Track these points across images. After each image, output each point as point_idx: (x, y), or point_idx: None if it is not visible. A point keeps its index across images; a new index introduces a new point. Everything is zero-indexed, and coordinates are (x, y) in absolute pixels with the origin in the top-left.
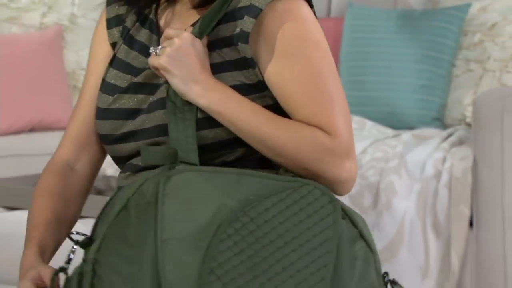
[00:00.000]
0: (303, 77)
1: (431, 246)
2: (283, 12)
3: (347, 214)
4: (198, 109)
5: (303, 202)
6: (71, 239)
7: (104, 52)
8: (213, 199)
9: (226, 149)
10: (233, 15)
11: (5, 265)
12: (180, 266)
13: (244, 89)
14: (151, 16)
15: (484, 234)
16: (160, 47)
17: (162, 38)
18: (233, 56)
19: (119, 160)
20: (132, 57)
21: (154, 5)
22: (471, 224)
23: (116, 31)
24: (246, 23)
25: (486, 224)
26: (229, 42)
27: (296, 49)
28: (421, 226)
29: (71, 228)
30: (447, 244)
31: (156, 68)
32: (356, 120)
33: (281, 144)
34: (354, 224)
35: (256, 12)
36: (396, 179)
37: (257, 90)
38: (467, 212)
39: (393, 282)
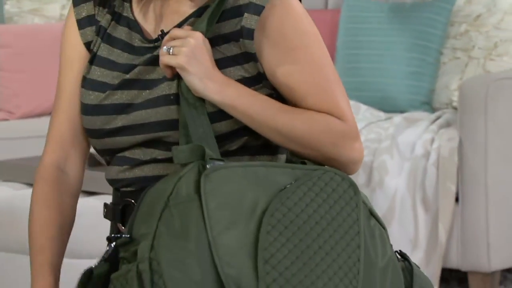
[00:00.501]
0: (307, 67)
1: (420, 220)
2: (281, 7)
3: None
4: (205, 103)
5: (328, 188)
6: (109, 239)
7: (78, 52)
8: (248, 193)
9: (231, 139)
10: (232, 13)
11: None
12: (234, 258)
13: (246, 82)
14: (126, 14)
15: (469, 209)
16: (171, 46)
17: (167, 38)
18: (233, 51)
19: (108, 152)
20: (116, 55)
21: (128, 4)
22: (457, 199)
23: (89, 31)
24: (249, 20)
25: (470, 200)
26: (229, 38)
27: (297, 42)
28: (411, 201)
29: (71, 230)
30: (435, 218)
31: (169, 67)
32: (351, 104)
33: (296, 132)
34: (364, 202)
35: (259, 10)
36: (388, 158)
37: (257, 82)
38: (453, 189)
39: (403, 254)
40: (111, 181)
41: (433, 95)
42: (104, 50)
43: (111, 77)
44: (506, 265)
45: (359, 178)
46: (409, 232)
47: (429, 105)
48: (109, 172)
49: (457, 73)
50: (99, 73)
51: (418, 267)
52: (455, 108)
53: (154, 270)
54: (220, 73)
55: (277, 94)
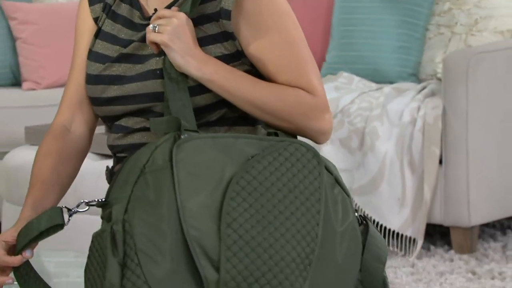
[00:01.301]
0: (281, 45)
1: (407, 181)
2: None
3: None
4: (188, 78)
5: (293, 158)
6: (87, 203)
7: (88, 26)
8: (218, 162)
9: (210, 111)
10: None
11: None
12: (199, 222)
13: (225, 59)
14: None
15: (451, 170)
16: (156, 24)
17: (154, 17)
18: (214, 30)
19: (108, 119)
20: (117, 30)
21: None
22: (440, 162)
23: (98, 7)
24: (226, 2)
25: (453, 162)
26: (211, 18)
27: (271, 22)
28: (399, 164)
29: (69, 184)
30: (421, 179)
31: (154, 43)
32: (345, 76)
33: (269, 104)
34: (329, 171)
35: None
36: (379, 125)
37: (236, 59)
38: (437, 152)
39: (364, 217)
40: (110, 147)
41: (419, 67)
42: (108, 26)
43: (112, 50)
44: (484, 221)
45: (352, 142)
46: (397, 192)
47: (415, 77)
48: (108, 139)
49: (441, 47)
50: (101, 46)
51: (378, 231)
52: (439, 79)
53: (126, 231)
54: (200, 50)
55: (255, 70)
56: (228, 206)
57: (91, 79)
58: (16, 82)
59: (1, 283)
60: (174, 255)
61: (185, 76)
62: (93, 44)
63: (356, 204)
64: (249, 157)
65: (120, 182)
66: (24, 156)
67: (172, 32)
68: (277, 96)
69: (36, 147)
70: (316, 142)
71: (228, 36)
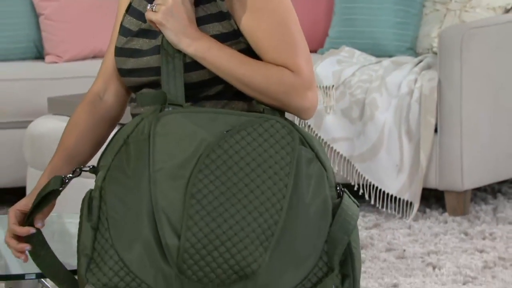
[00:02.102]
0: (270, 26)
1: (405, 148)
2: None
3: (306, 140)
4: (185, 55)
5: (267, 134)
6: (79, 168)
7: (125, 2)
8: (194, 135)
9: (207, 86)
10: None
11: None
12: (167, 192)
13: (222, 37)
14: None
15: (446, 138)
16: (155, 4)
17: None
18: (213, 10)
19: (132, 90)
20: (143, 6)
21: None
22: (436, 130)
23: None
24: None
25: (447, 131)
26: None
27: (263, 3)
28: (397, 132)
29: (95, 152)
30: (417, 147)
31: (152, 22)
32: (347, 50)
33: (254, 82)
34: (311, 148)
35: None
36: (378, 96)
37: (233, 37)
38: (433, 122)
39: (343, 191)
40: (131, 115)
41: (416, 41)
42: (137, 2)
43: (135, 25)
44: (476, 185)
45: (353, 112)
46: (395, 159)
47: (413, 50)
48: (130, 108)
49: (437, 23)
50: (128, 21)
51: (357, 203)
52: (435, 53)
53: (102, 197)
54: (196, 29)
55: (252, 49)
56: (195, 178)
57: (116, 51)
58: (39, 55)
59: (19, 249)
60: (142, 223)
61: (181, 53)
62: (123, 18)
63: (356, 171)
64: (224, 132)
65: (107, 150)
66: (46, 125)
67: (166, 12)
68: (261, 75)
69: (57, 117)
70: (300, 118)
71: (224, 15)
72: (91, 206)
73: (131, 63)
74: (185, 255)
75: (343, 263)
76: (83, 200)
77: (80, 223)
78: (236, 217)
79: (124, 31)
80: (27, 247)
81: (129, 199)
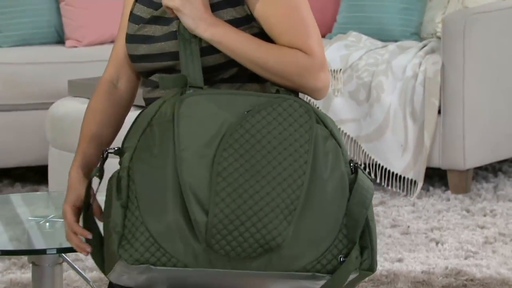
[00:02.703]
0: (283, 11)
1: (409, 129)
2: None
3: (320, 119)
4: (201, 40)
5: (285, 113)
6: (105, 150)
7: None
8: (217, 116)
9: (223, 69)
10: None
11: None
12: (194, 170)
13: (236, 22)
14: None
15: (449, 119)
16: None
17: None
18: None
19: (142, 75)
20: None
21: None
22: (439, 112)
23: None
24: None
25: (450, 112)
26: None
27: None
28: (402, 114)
29: (114, 136)
30: (421, 127)
31: (169, 8)
32: (354, 35)
33: (270, 64)
34: (326, 126)
35: None
36: (384, 79)
37: (246, 22)
38: (436, 103)
39: (357, 166)
40: (143, 100)
41: (421, 27)
42: None
43: (146, 12)
44: (477, 164)
45: (360, 94)
46: (400, 139)
47: (417, 35)
48: (142, 92)
49: (441, 8)
50: (138, 9)
51: (370, 178)
52: (438, 38)
53: (130, 177)
54: (211, 14)
55: (264, 33)
56: (220, 156)
57: (128, 38)
58: (60, 40)
59: (82, 249)
60: (170, 199)
61: (197, 38)
62: (133, 7)
63: (363, 151)
64: (245, 112)
65: (132, 132)
66: (67, 106)
67: None
68: (276, 57)
69: (77, 98)
70: (314, 98)
71: (237, 1)
72: (120, 185)
73: (143, 49)
74: (213, 230)
75: (361, 235)
76: (110, 180)
77: (109, 202)
78: (261, 193)
79: (135, 18)
80: (88, 248)
81: (156, 177)
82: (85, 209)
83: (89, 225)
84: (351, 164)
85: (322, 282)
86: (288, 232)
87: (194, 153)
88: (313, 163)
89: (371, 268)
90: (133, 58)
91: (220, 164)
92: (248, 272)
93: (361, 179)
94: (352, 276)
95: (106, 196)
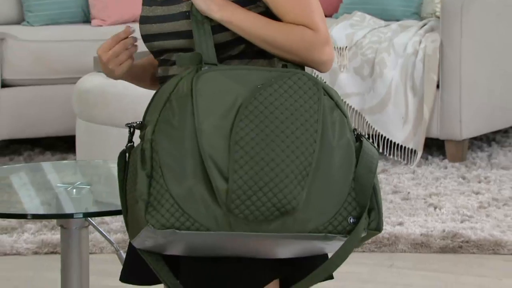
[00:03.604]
0: None
1: (410, 102)
2: None
3: (326, 91)
4: (211, 20)
5: (295, 86)
6: (129, 125)
7: None
8: (231, 90)
9: (231, 46)
10: None
11: (119, 115)
12: (213, 140)
13: (243, 2)
14: None
15: (447, 93)
16: None
17: None
18: None
19: (155, 54)
20: None
21: None
22: (438, 86)
23: None
24: None
25: (448, 87)
26: None
27: None
28: (403, 88)
29: (151, 86)
30: (421, 101)
31: None
32: (359, 15)
33: (278, 40)
34: (331, 97)
35: None
36: (386, 56)
37: (251, 2)
38: (435, 78)
39: (360, 135)
40: (157, 78)
41: (421, 7)
42: None
43: None
44: (473, 135)
45: (364, 70)
46: (401, 111)
47: (418, 15)
48: (156, 71)
49: None
50: None
51: (374, 146)
52: (437, 17)
53: (153, 148)
54: None
55: (269, 11)
56: (237, 127)
57: (142, 20)
58: (86, 19)
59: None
60: (191, 168)
61: (209, 18)
62: None
63: (367, 122)
64: (258, 86)
65: (152, 107)
66: (92, 81)
67: None
68: (284, 33)
69: (102, 74)
70: (319, 71)
71: None
72: (144, 156)
73: (155, 29)
74: (233, 195)
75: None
76: (134, 153)
77: (135, 173)
78: (276, 160)
79: (148, 1)
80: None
81: (177, 148)
82: (122, 179)
83: (124, 191)
84: (355, 133)
85: (332, 242)
86: (302, 196)
87: (212, 125)
88: (322, 132)
89: (378, 228)
90: (147, 38)
91: (237, 134)
92: (265, 234)
93: (366, 146)
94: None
95: (130, 168)
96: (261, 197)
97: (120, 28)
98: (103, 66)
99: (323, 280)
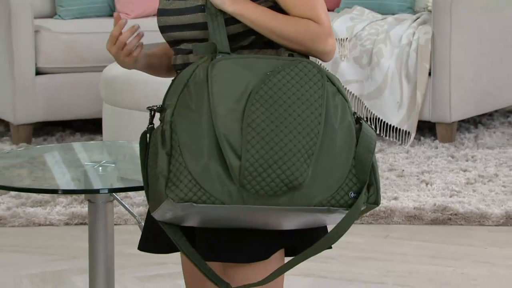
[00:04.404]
0: None
1: (404, 88)
2: None
3: (328, 78)
4: (224, 13)
5: (302, 73)
6: (150, 108)
7: None
8: (243, 76)
9: (242, 37)
10: None
11: (142, 100)
12: (227, 122)
13: None
14: None
15: (438, 80)
16: None
17: None
18: None
19: (172, 44)
20: None
21: None
22: (430, 74)
23: None
24: None
25: (439, 74)
26: None
27: None
28: (398, 76)
29: (167, 74)
30: (414, 87)
31: None
32: (358, 9)
33: (285, 32)
34: (333, 83)
35: None
36: (383, 46)
37: None
38: (427, 67)
39: (360, 118)
40: (173, 66)
41: (415, 2)
42: None
43: None
44: (461, 118)
45: (363, 59)
46: (396, 97)
47: (412, 9)
48: (173, 60)
49: None
50: None
51: (372, 128)
52: (430, 11)
53: (172, 129)
54: None
55: (277, 6)
56: (249, 110)
57: (159, 12)
58: (111, 13)
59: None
60: (207, 147)
61: (222, 11)
62: None
63: (365, 107)
64: (267, 73)
65: (171, 92)
66: (117, 69)
67: None
68: (290, 25)
69: None
70: (322, 60)
71: None
72: (164, 137)
73: (172, 20)
74: (245, 172)
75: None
76: (155, 134)
77: (155, 152)
78: (284, 140)
79: None
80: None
81: (195, 128)
82: (143, 157)
83: (146, 169)
84: (355, 116)
85: (334, 215)
86: (308, 173)
87: (226, 108)
88: (325, 115)
89: (377, 201)
90: (164, 29)
91: (249, 117)
92: (275, 207)
93: (365, 128)
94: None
95: (151, 147)
96: (270, 174)
97: (143, 21)
98: (116, 60)
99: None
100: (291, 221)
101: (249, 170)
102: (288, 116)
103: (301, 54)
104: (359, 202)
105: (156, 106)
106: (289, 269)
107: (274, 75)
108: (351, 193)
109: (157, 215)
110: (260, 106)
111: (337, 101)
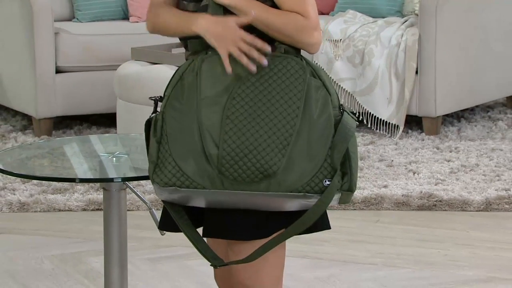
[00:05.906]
0: None
1: (393, 86)
2: None
3: (316, 72)
4: (224, 8)
5: (284, 69)
6: (152, 98)
7: None
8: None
9: None
10: None
11: (152, 95)
12: (210, 115)
13: None
14: None
15: (424, 78)
16: None
17: None
18: None
19: (181, 40)
20: None
21: None
22: (416, 72)
23: None
24: None
25: (425, 73)
26: None
27: None
28: (388, 74)
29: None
30: (403, 84)
31: None
32: (351, 13)
33: (276, 24)
34: (320, 78)
35: None
36: (374, 47)
37: None
38: (414, 66)
39: (344, 110)
40: (186, 60)
41: (403, 6)
42: None
43: None
44: (445, 112)
45: (355, 59)
46: (386, 93)
47: (400, 13)
48: (184, 54)
49: None
50: None
51: (355, 119)
52: (417, 15)
53: (164, 119)
54: None
55: (272, 3)
56: (229, 104)
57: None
58: (125, 16)
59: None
60: (192, 137)
61: (221, 6)
62: None
63: (357, 102)
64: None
65: (169, 84)
66: (130, 67)
67: None
68: (280, 18)
69: (138, 62)
70: (308, 52)
71: None
72: (156, 126)
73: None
74: (223, 160)
75: (342, 164)
76: (151, 121)
77: (148, 139)
78: (260, 132)
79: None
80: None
81: (182, 120)
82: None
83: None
84: (341, 109)
85: (311, 200)
86: (282, 162)
87: (210, 101)
88: (305, 108)
89: (350, 189)
90: None
91: (229, 110)
92: (253, 193)
93: (345, 120)
94: (336, 196)
95: (146, 134)
96: (246, 163)
97: None
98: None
99: (321, 230)
100: (292, 203)
101: (226, 159)
102: (266, 110)
103: (291, 47)
104: (331, 188)
105: (159, 96)
106: (269, 249)
107: (258, 71)
108: (325, 181)
109: (164, 196)
110: (241, 100)
111: (319, 95)
